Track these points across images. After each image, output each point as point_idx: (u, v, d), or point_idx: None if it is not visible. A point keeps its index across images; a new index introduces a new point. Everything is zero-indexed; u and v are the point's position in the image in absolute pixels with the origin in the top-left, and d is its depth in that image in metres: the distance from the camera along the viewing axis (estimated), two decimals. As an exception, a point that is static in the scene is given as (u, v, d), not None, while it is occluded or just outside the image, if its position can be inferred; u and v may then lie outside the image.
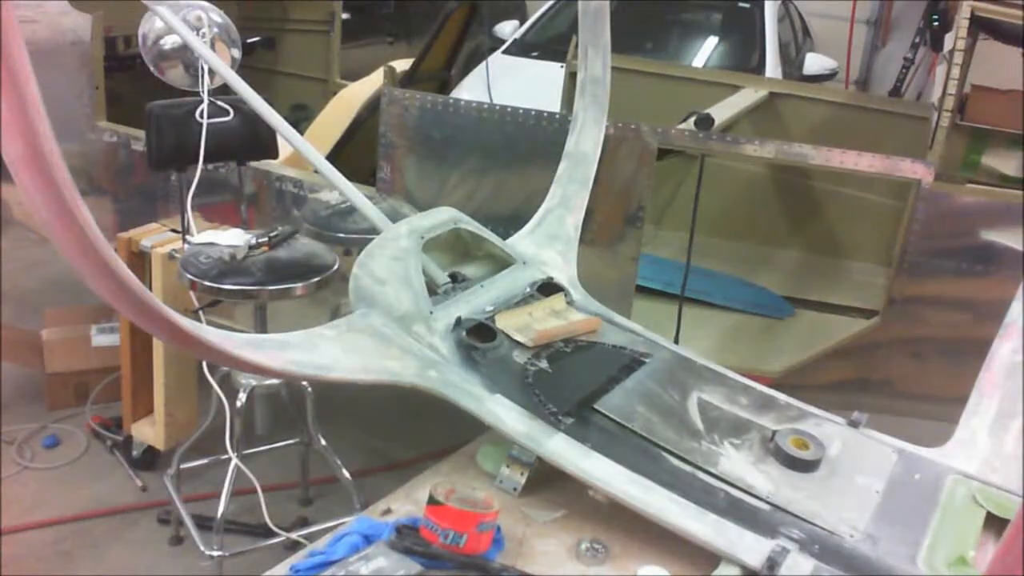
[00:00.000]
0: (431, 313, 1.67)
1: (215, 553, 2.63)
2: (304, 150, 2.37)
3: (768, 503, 1.43)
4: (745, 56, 5.20)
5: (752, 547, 1.36)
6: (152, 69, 2.78)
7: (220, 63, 2.51)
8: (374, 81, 4.07)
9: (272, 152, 2.97)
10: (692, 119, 2.83)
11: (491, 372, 1.61)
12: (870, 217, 3.80)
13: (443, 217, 1.91)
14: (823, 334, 3.05)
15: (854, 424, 1.66)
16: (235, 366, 1.50)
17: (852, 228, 3.89)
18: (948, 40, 3.06)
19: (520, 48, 5.20)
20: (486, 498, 1.38)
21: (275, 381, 2.66)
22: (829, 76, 5.71)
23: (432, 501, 1.31)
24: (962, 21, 2.63)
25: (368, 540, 1.29)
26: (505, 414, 1.54)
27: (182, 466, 2.93)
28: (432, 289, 1.75)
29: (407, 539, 1.26)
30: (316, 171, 2.46)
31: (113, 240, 3.10)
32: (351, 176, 2.33)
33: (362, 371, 1.53)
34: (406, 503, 1.41)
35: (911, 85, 6.77)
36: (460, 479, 1.45)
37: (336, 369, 1.49)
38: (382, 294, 1.68)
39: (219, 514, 2.59)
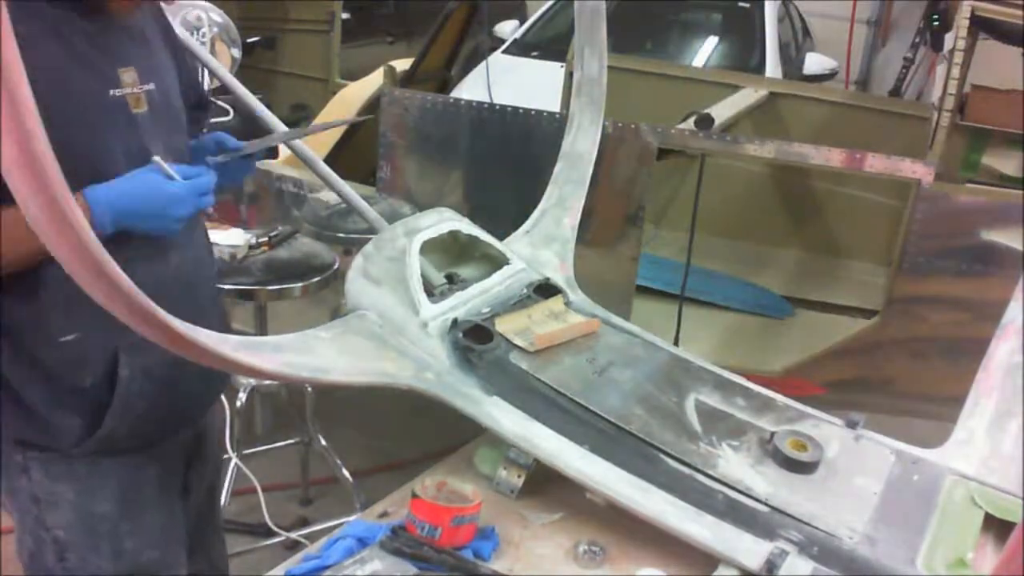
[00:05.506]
0: (427, 314, 1.67)
1: (214, 554, 2.63)
2: (298, 150, 2.36)
3: (766, 505, 1.43)
4: (745, 56, 5.20)
5: (751, 549, 1.36)
6: (151, 69, 2.78)
7: (212, 60, 2.51)
8: (374, 81, 4.07)
9: (272, 152, 2.97)
10: (692, 119, 2.83)
11: (488, 374, 1.60)
12: (870, 217, 3.79)
13: (438, 218, 1.91)
14: (823, 334, 3.05)
15: (852, 424, 1.65)
16: (230, 369, 1.49)
17: (852, 228, 3.89)
18: (948, 40, 3.05)
19: (520, 48, 5.19)
20: (472, 492, 1.39)
21: (274, 381, 2.66)
22: (829, 76, 5.71)
23: (413, 495, 1.33)
24: (962, 21, 2.62)
25: (363, 543, 1.29)
26: (502, 417, 1.54)
27: (181, 467, 2.92)
28: (428, 290, 1.74)
29: (398, 540, 1.27)
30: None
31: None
32: (350, 176, 2.32)
33: (358, 373, 1.52)
34: (403, 506, 1.41)
35: (911, 85, 6.75)
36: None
37: (332, 371, 1.48)
38: (378, 295, 1.68)
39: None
